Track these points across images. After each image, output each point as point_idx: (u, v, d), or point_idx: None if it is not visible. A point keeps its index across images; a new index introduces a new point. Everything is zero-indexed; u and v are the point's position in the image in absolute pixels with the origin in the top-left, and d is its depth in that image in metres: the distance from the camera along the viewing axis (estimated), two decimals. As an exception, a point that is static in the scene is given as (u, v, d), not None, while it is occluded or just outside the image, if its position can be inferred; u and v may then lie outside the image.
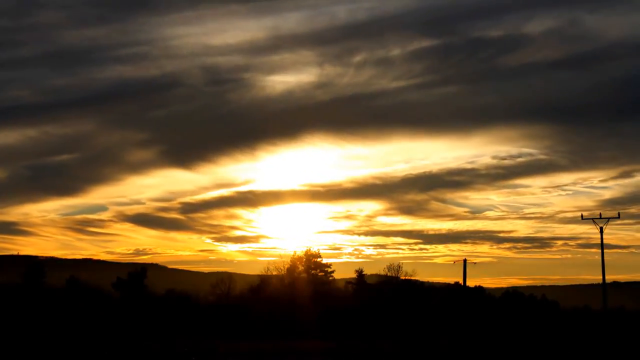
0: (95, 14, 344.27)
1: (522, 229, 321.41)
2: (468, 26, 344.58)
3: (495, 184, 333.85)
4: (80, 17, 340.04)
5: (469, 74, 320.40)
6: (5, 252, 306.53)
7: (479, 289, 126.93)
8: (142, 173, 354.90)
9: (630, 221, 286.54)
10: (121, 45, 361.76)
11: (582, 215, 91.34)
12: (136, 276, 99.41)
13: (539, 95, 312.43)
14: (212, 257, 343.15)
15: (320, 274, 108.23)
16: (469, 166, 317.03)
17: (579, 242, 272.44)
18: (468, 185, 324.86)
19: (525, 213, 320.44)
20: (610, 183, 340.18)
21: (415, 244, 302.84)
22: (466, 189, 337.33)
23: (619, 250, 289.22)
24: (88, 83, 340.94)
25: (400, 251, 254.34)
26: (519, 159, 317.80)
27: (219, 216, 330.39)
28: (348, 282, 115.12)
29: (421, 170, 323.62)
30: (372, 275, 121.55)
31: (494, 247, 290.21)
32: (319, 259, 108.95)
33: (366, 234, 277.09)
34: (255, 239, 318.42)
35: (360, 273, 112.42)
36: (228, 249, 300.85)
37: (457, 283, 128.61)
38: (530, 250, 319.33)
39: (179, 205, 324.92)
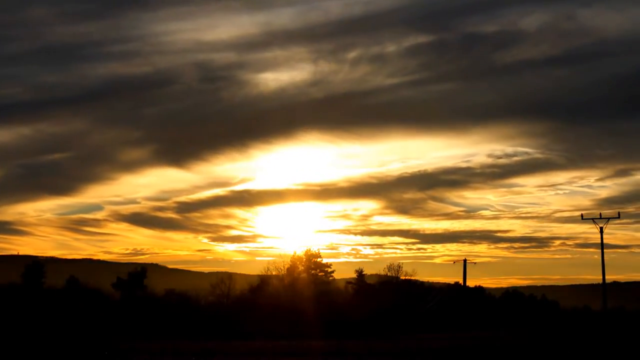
0: (86, 9, 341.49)
1: (519, 228, 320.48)
2: (463, 22, 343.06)
3: (491, 182, 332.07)
4: (71, 13, 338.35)
5: (465, 70, 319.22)
6: (1, 252, 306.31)
7: (479, 289, 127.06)
8: (136, 172, 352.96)
9: (629, 220, 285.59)
10: (113, 41, 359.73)
11: (582, 215, 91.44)
12: (136, 276, 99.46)
13: (535, 92, 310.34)
14: (210, 256, 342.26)
15: (320, 274, 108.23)
16: (464, 165, 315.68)
17: (577, 241, 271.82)
18: (464, 184, 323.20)
19: (522, 212, 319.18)
20: (608, 182, 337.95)
21: (413, 243, 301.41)
22: (462, 188, 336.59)
23: (618, 250, 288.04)
24: (80, 80, 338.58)
25: (398, 251, 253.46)
26: (515, 158, 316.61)
27: (214, 216, 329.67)
28: (348, 282, 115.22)
29: (416, 169, 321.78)
30: (372, 275, 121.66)
31: (492, 246, 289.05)
32: (319, 259, 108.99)
33: (363, 233, 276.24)
34: (251, 238, 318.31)
35: (360, 273, 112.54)
36: (225, 249, 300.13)
37: (457, 283, 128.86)
38: (528, 250, 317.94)
39: (174, 205, 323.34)
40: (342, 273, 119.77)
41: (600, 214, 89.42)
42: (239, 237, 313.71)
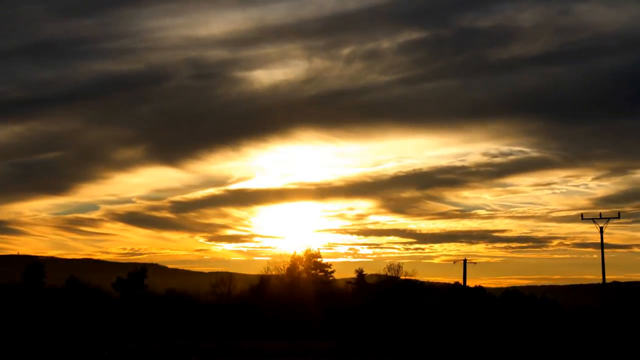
0: (77, 5, 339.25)
1: (517, 228, 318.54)
2: (458, 17, 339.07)
3: (487, 181, 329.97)
4: (62, 9, 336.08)
5: (460, 67, 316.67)
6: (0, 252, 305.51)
7: (479, 289, 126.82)
8: (130, 171, 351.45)
9: (627, 220, 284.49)
10: (105, 38, 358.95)
11: (582, 215, 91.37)
12: (136, 276, 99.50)
13: (531, 89, 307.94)
14: (207, 256, 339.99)
15: (320, 274, 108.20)
16: (460, 163, 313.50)
17: (575, 241, 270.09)
18: (459, 183, 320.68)
19: (518, 212, 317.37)
20: (605, 181, 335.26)
21: (410, 243, 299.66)
22: (457, 187, 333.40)
23: (616, 250, 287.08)
24: (72, 77, 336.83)
25: (395, 251, 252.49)
26: (511, 157, 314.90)
27: (210, 215, 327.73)
28: (348, 282, 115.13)
29: (411, 168, 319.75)
30: (371, 275, 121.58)
31: (490, 246, 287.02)
32: (319, 259, 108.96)
33: (359, 233, 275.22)
34: (248, 238, 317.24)
35: (360, 273, 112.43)
36: (223, 249, 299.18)
37: (457, 283, 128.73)
38: (526, 249, 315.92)
39: (169, 204, 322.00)
40: (340, 273, 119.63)
41: (600, 213, 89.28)
42: (235, 236, 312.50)
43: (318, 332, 74.22)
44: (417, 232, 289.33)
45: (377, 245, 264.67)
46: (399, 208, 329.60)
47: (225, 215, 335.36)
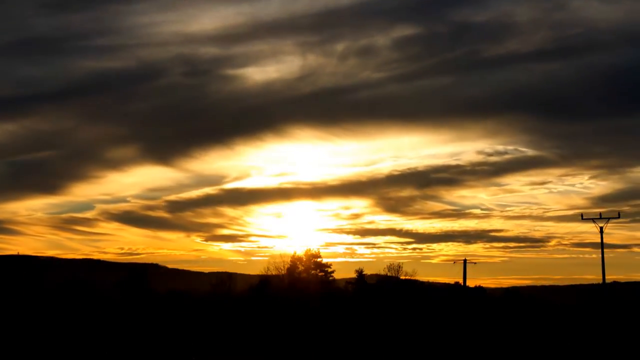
0: (66, 1, 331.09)
1: (514, 227, 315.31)
2: (453, 12, 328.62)
3: (483, 180, 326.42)
4: (50, 4, 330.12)
5: (454, 64, 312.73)
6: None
7: (479, 289, 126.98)
8: (123, 170, 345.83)
9: (625, 220, 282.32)
10: (95, 34, 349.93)
11: (582, 215, 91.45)
12: (137, 276, 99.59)
13: (527, 86, 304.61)
14: (204, 256, 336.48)
15: (320, 274, 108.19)
16: (455, 162, 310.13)
17: (574, 241, 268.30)
18: (455, 182, 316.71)
19: (515, 211, 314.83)
20: (602, 180, 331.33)
21: (408, 243, 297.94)
22: (453, 186, 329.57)
23: (615, 250, 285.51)
24: (62, 74, 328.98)
25: (393, 251, 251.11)
26: (507, 155, 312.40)
27: (206, 215, 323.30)
28: (348, 282, 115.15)
29: (406, 167, 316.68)
30: (372, 275, 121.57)
31: (487, 245, 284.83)
32: (319, 259, 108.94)
33: (355, 232, 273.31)
34: (245, 237, 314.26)
35: (360, 273, 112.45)
36: (220, 248, 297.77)
37: (457, 283, 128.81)
38: (524, 249, 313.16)
39: (164, 204, 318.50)
40: (338, 273, 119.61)
41: (600, 213, 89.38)
42: (232, 236, 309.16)
43: (320, 332, 74.13)
44: (414, 231, 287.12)
45: (374, 245, 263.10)
46: (394, 207, 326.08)
47: (221, 215, 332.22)
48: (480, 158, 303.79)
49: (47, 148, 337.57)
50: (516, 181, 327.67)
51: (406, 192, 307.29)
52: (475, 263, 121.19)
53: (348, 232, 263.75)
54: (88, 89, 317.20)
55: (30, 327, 71.17)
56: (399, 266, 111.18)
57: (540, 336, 73.53)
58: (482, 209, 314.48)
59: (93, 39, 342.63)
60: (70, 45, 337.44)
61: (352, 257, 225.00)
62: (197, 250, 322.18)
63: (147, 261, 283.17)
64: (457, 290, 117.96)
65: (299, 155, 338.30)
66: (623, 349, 58.37)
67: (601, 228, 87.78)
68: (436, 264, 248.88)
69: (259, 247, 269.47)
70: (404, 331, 75.63)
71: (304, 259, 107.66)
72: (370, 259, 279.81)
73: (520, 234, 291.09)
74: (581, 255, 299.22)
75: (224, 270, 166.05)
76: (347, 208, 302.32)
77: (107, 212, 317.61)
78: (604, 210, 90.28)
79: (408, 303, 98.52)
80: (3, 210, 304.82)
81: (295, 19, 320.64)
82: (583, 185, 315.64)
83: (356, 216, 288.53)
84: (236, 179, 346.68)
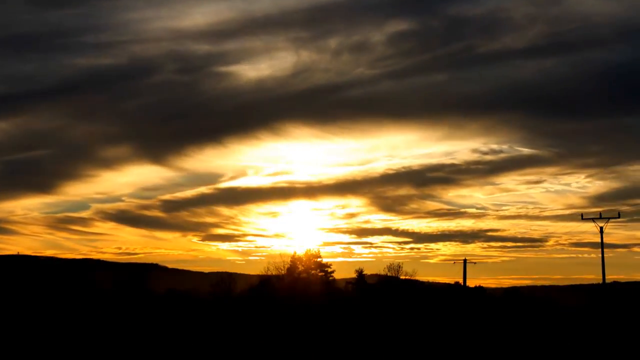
0: None
1: (511, 227, 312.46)
2: (447, 6, 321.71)
3: (479, 179, 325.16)
4: (40, 0, 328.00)
5: (449, 60, 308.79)
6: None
7: (479, 289, 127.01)
8: (117, 169, 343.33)
9: (623, 219, 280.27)
10: (86, 30, 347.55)
11: (582, 215, 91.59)
12: (137, 276, 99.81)
13: (523, 83, 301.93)
14: (202, 256, 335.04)
15: (320, 274, 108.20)
16: (450, 161, 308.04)
17: (572, 240, 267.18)
18: (450, 181, 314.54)
19: (512, 210, 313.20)
20: (599, 179, 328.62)
21: (405, 242, 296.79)
22: (448, 185, 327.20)
23: (614, 250, 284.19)
24: (53, 72, 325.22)
25: (391, 250, 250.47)
26: (502, 154, 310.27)
27: (202, 214, 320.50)
28: (348, 282, 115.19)
29: (401, 166, 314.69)
30: (371, 275, 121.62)
31: (485, 245, 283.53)
32: (319, 259, 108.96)
33: (352, 232, 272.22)
34: (242, 237, 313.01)
35: (360, 273, 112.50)
36: (218, 248, 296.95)
37: (457, 283, 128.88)
38: (522, 249, 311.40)
39: (159, 203, 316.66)
40: (336, 273, 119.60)
41: (600, 213, 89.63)
42: (228, 235, 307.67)
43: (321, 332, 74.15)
44: (410, 231, 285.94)
45: (371, 245, 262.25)
46: (389, 206, 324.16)
47: (216, 215, 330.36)
48: (475, 157, 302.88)
49: (40, 147, 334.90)
50: (512, 180, 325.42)
51: (401, 191, 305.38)
52: (475, 263, 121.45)
53: (344, 232, 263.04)
54: (80, 87, 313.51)
55: (31, 327, 71.21)
56: (399, 266, 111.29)
57: (540, 336, 73.54)
58: (478, 208, 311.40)
59: (84, 36, 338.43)
60: (61, 42, 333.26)
61: (350, 257, 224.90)
62: (194, 250, 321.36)
63: (146, 261, 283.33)
64: (458, 290, 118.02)
65: (294, 154, 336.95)
66: (623, 349, 58.38)
67: (601, 228, 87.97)
68: (434, 263, 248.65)
69: (256, 247, 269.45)
70: (406, 331, 75.65)
71: (304, 259, 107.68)
72: (368, 259, 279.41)
73: (518, 234, 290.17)
74: (580, 255, 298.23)
75: (223, 270, 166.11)
76: (343, 207, 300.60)
77: (102, 211, 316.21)
78: (601, 210, 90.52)
79: (410, 303, 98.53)
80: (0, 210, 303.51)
81: (288, 14, 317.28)
82: (580, 184, 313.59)
83: (352, 215, 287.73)
84: (231, 178, 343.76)
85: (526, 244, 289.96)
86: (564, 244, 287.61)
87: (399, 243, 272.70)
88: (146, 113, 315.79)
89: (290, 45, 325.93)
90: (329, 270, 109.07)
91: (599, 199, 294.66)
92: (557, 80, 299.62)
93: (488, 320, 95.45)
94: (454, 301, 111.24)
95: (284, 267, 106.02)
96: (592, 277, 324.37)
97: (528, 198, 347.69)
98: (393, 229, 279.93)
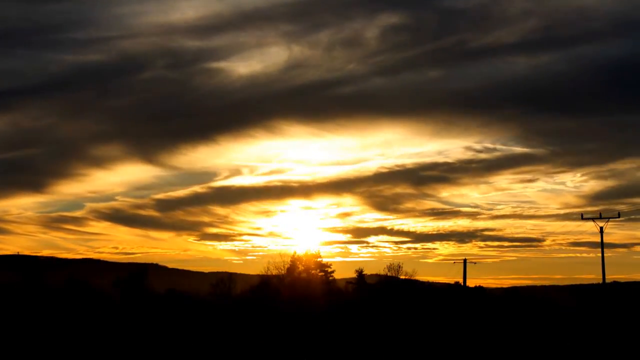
0: None
1: (507, 226, 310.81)
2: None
3: (474, 178, 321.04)
4: None
5: (442, 55, 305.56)
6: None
7: (479, 289, 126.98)
8: (109, 168, 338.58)
9: (622, 219, 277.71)
10: (74, 25, 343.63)
11: (582, 215, 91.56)
12: (137, 276, 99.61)
13: (518, 80, 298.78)
14: (200, 255, 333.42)
15: (320, 274, 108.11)
16: (444, 160, 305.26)
17: (570, 240, 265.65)
18: (445, 180, 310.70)
19: (507, 209, 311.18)
20: (597, 177, 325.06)
21: (402, 242, 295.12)
22: (443, 183, 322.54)
23: (612, 249, 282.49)
24: (41, 68, 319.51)
25: (388, 250, 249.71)
26: (496, 152, 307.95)
27: (197, 213, 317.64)
28: (348, 282, 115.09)
29: (394, 164, 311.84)
30: (371, 275, 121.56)
31: (482, 244, 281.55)
32: (319, 259, 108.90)
33: (347, 231, 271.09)
34: (237, 237, 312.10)
35: (360, 273, 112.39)
36: (214, 248, 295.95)
37: (457, 283, 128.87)
38: (521, 249, 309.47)
39: (153, 203, 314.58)
40: (335, 272, 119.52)
41: (600, 213, 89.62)
42: (224, 235, 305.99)
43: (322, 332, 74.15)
44: (406, 230, 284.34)
45: (368, 244, 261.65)
46: (384, 205, 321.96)
47: (211, 214, 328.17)
48: (469, 155, 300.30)
49: (31, 145, 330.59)
50: (506, 179, 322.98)
51: (395, 190, 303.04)
52: (475, 263, 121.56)
53: (340, 231, 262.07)
54: (68, 84, 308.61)
55: (30, 327, 71.19)
56: (399, 266, 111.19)
57: (540, 336, 73.56)
58: (473, 207, 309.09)
59: (72, 31, 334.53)
60: (49, 38, 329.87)
61: (347, 257, 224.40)
62: (190, 249, 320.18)
63: (145, 261, 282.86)
64: (458, 290, 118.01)
65: (288, 152, 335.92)
66: (623, 349, 58.42)
67: (601, 228, 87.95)
68: (432, 263, 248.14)
69: (253, 247, 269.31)
70: (407, 331, 75.66)
71: (304, 259, 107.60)
72: (365, 259, 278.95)
73: (515, 233, 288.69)
74: (578, 255, 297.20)
75: (222, 270, 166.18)
76: (338, 205, 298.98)
77: (96, 210, 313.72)
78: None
79: (410, 303, 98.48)
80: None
81: (277, 7, 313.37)
82: (575, 183, 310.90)
83: (347, 214, 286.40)
84: (225, 177, 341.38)
85: (524, 243, 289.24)
86: (562, 244, 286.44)
87: (396, 243, 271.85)
88: (137, 110, 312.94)
89: (280, 40, 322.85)
90: (329, 270, 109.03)
91: (595, 197, 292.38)
92: (552, 76, 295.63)
93: (488, 320, 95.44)
94: (455, 301, 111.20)
95: (284, 267, 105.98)
96: (592, 277, 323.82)
97: (523, 197, 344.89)
98: (388, 228, 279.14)
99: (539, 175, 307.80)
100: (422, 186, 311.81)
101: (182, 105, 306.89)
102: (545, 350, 59.11)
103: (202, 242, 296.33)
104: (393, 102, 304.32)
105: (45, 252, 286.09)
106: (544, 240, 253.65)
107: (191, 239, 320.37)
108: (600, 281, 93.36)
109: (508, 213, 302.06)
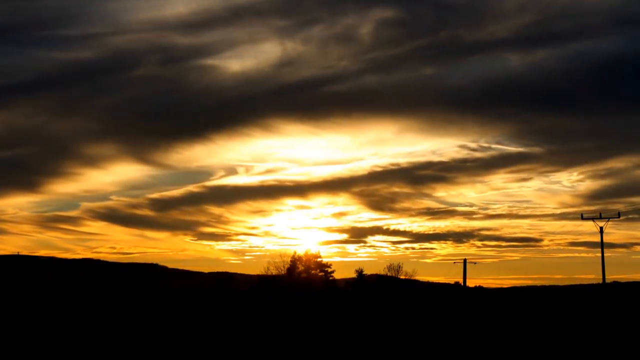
0: None
1: (504, 226, 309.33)
2: None
3: (469, 177, 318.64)
4: None
5: (437, 51, 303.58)
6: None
7: (479, 289, 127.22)
8: (102, 167, 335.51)
9: (621, 218, 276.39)
10: (64, 21, 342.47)
11: (582, 215, 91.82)
12: (137, 275, 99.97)
13: (513, 76, 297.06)
14: (198, 255, 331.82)
15: (320, 274, 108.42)
16: (439, 159, 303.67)
17: (567, 239, 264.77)
18: (440, 179, 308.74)
19: (503, 209, 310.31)
20: (593, 177, 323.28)
21: (400, 242, 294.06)
22: (439, 182, 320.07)
23: (611, 249, 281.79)
24: (32, 65, 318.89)
25: (386, 250, 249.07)
26: (492, 151, 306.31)
27: (192, 213, 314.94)
28: (349, 281, 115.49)
29: (388, 163, 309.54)
30: (371, 275, 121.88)
31: (479, 244, 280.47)
32: (319, 259, 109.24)
33: (343, 231, 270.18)
34: (234, 236, 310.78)
35: (360, 273, 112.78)
36: (212, 248, 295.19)
37: (457, 283, 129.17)
38: (520, 248, 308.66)
39: (148, 202, 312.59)
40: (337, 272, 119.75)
41: (600, 213, 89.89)
42: (220, 235, 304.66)
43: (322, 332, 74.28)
44: (402, 230, 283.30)
45: (365, 244, 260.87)
46: (380, 205, 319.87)
47: (207, 213, 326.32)
48: (464, 153, 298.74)
49: (23, 143, 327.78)
50: (502, 178, 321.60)
51: (391, 189, 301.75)
52: (475, 263, 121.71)
53: (336, 231, 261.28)
54: (59, 81, 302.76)
55: (31, 326, 71.28)
56: (399, 266, 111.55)
57: (540, 336, 73.71)
58: (469, 207, 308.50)
59: (62, 28, 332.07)
60: (39, 34, 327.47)
61: (345, 257, 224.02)
62: (188, 249, 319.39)
63: (144, 261, 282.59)
64: (458, 290, 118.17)
65: (282, 151, 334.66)
66: (623, 349, 58.54)
67: (601, 228, 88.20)
68: (431, 263, 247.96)
69: (250, 247, 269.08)
70: (407, 331, 75.78)
71: (304, 259, 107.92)
72: (363, 259, 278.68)
73: (512, 233, 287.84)
74: (577, 255, 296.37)
75: (222, 270, 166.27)
76: (333, 205, 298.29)
77: (92, 210, 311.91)
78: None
79: (411, 303, 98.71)
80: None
81: (270, 2, 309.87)
82: (571, 181, 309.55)
83: (343, 214, 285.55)
84: (221, 176, 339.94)
85: (522, 243, 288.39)
86: (560, 244, 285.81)
87: (393, 242, 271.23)
88: (129, 108, 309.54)
89: (273, 36, 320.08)
90: (329, 270, 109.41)
91: (591, 196, 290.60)
92: (548, 72, 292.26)
93: (488, 321, 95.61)
94: (455, 301, 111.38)
95: (284, 267, 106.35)
96: (592, 277, 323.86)
97: (519, 196, 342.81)
98: (384, 227, 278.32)
99: (534, 174, 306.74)
100: (418, 185, 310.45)
101: (176, 103, 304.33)
102: (545, 350, 59.24)
103: (199, 241, 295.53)
104: (386, 100, 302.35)
105: (43, 252, 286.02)
106: (542, 240, 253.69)
107: (187, 238, 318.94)
108: (600, 281, 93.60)
109: (504, 212, 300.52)
